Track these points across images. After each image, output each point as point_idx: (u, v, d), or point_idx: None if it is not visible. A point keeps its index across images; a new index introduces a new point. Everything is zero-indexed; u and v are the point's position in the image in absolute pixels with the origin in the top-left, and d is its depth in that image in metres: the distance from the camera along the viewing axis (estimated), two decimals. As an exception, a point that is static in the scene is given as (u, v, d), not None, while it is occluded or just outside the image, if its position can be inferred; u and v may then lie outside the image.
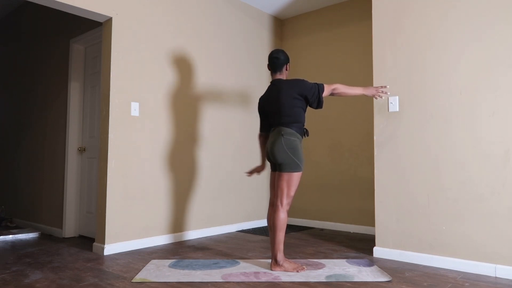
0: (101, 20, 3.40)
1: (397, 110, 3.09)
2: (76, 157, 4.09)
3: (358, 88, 2.86)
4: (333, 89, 2.80)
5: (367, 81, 4.31)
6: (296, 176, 2.67)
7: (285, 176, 2.67)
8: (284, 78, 2.89)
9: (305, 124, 2.85)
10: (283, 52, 2.87)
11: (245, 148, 4.57)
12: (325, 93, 2.78)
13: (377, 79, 3.22)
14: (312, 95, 2.74)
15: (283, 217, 2.67)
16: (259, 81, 4.80)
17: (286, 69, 2.88)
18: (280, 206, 2.67)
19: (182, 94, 3.89)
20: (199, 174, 4.02)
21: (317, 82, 2.81)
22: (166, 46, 3.76)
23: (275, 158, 2.69)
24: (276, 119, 2.77)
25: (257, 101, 4.77)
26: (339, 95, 2.84)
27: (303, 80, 2.77)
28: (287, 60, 2.87)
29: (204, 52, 4.14)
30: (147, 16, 3.61)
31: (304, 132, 2.82)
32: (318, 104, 2.78)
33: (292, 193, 2.69)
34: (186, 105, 3.93)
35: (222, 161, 4.29)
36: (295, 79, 2.79)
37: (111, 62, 3.32)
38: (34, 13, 4.83)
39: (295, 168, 2.66)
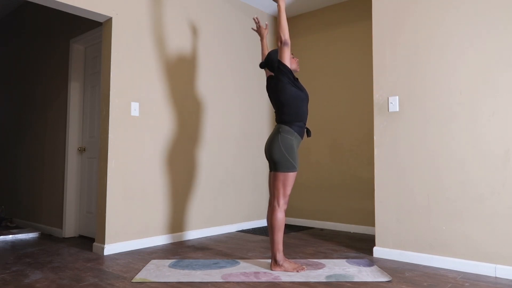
0: (101, 20, 3.40)
1: (397, 110, 3.09)
2: (76, 157, 4.09)
3: (280, 12, 2.69)
4: (285, 43, 2.67)
5: (367, 80, 4.31)
6: (291, 176, 2.67)
7: (281, 176, 2.67)
8: None
9: (307, 122, 2.80)
10: (272, 50, 2.89)
11: (245, 148, 4.57)
12: (286, 57, 2.68)
13: (377, 79, 3.22)
14: (276, 70, 2.73)
15: (280, 217, 2.67)
16: (259, 81, 4.80)
17: None
18: (277, 206, 2.68)
19: (182, 94, 3.89)
20: (199, 174, 4.02)
21: (279, 65, 2.72)
22: (166, 46, 3.76)
23: (271, 156, 2.69)
24: (278, 116, 2.79)
25: (257, 100, 4.78)
26: (286, 28, 2.69)
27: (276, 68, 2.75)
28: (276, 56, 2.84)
29: (204, 51, 4.14)
30: (147, 16, 3.61)
31: (306, 132, 2.81)
32: (281, 68, 2.71)
33: (288, 192, 2.69)
34: (186, 105, 3.93)
35: (222, 161, 4.29)
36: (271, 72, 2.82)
37: (111, 62, 3.32)
38: (34, 13, 4.83)
39: (291, 168, 2.66)
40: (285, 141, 2.66)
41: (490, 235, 2.63)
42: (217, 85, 4.27)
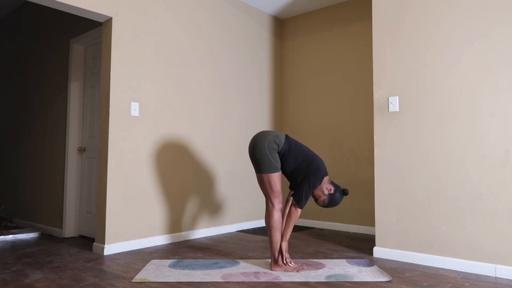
0: (101, 20, 3.40)
1: (397, 110, 3.09)
2: (76, 157, 4.09)
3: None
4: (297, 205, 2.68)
5: (367, 80, 4.31)
6: (276, 176, 2.68)
7: (265, 177, 2.69)
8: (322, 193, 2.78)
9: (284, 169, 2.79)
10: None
11: (245, 148, 4.57)
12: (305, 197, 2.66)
13: (377, 79, 3.22)
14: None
15: (277, 217, 2.68)
16: (259, 81, 4.80)
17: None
18: (272, 207, 2.69)
19: (182, 94, 3.89)
20: (199, 174, 4.02)
21: (304, 195, 2.67)
22: (166, 46, 3.76)
23: (254, 154, 2.70)
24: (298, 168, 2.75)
25: (258, 100, 4.77)
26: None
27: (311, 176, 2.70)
28: None
29: (204, 51, 4.14)
30: (147, 16, 3.61)
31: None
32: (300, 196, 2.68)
33: (278, 190, 2.70)
34: (186, 105, 3.92)
35: (222, 160, 4.28)
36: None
37: (111, 62, 3.32)
38: (34, 13, 4.83)
39: (274, 169, 2.67)
40: (271, 144, 2.68)
41: (490, 235, 2.63)
42: (217, 85, 4.26)
